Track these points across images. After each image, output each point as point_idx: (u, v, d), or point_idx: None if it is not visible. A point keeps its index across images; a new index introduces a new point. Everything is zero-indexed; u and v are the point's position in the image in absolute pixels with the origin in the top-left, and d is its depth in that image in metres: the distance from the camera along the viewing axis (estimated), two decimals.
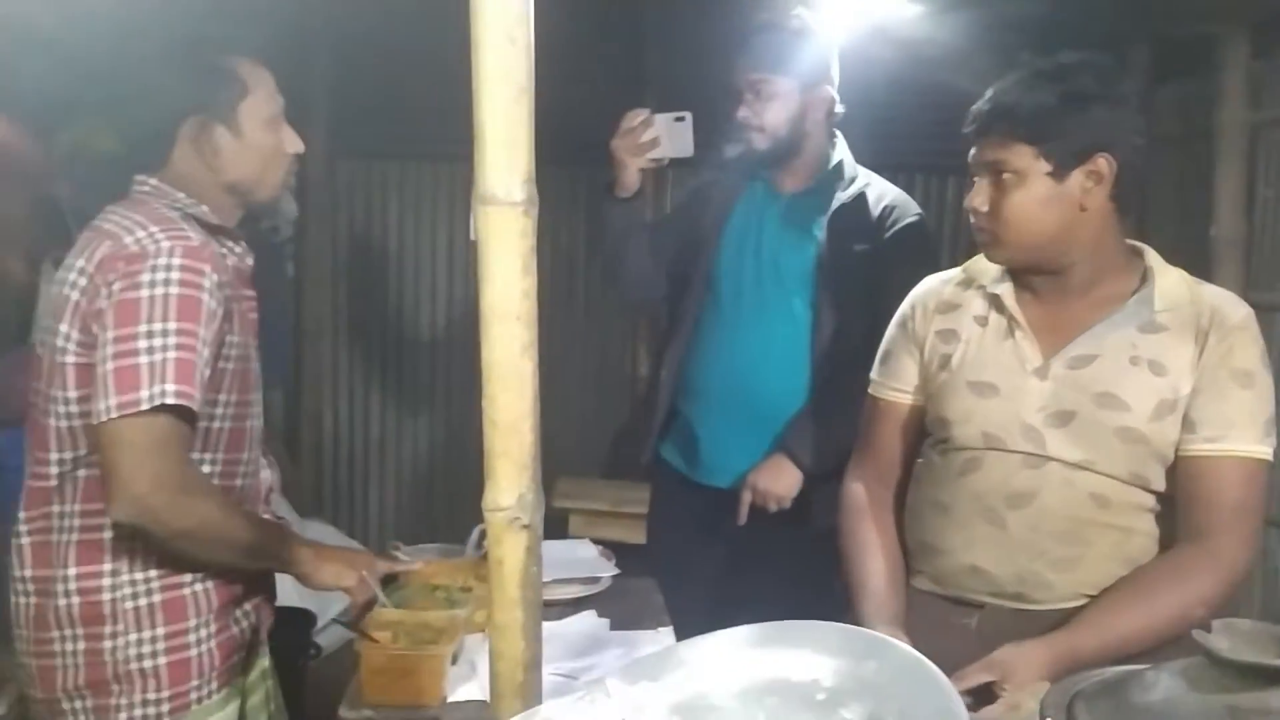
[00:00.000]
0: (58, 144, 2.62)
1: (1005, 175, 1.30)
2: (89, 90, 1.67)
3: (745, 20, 2.07)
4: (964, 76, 1.88)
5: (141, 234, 1.29)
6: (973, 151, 1.35)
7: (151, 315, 1.25)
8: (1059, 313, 1.36)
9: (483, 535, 1.76)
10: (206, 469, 1.38)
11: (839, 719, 0.74)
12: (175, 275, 1.27)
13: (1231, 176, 2.65)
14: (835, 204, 2.03)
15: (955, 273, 1.50)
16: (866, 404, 1.56)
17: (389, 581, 1.56)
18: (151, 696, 1.33)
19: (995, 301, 1.40)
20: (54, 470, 1.33)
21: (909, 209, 2.04)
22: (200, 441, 1.35)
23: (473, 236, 0.82)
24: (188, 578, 1.36)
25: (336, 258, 3.72)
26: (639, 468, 2.39)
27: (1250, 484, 1.29)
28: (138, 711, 1.33)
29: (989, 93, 1.33)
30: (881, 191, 2.06)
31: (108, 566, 1.32)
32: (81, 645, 1.32)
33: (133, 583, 1.33)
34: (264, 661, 1.53)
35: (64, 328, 1.31)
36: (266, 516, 1.51)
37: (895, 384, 1.51)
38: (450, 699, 1.36)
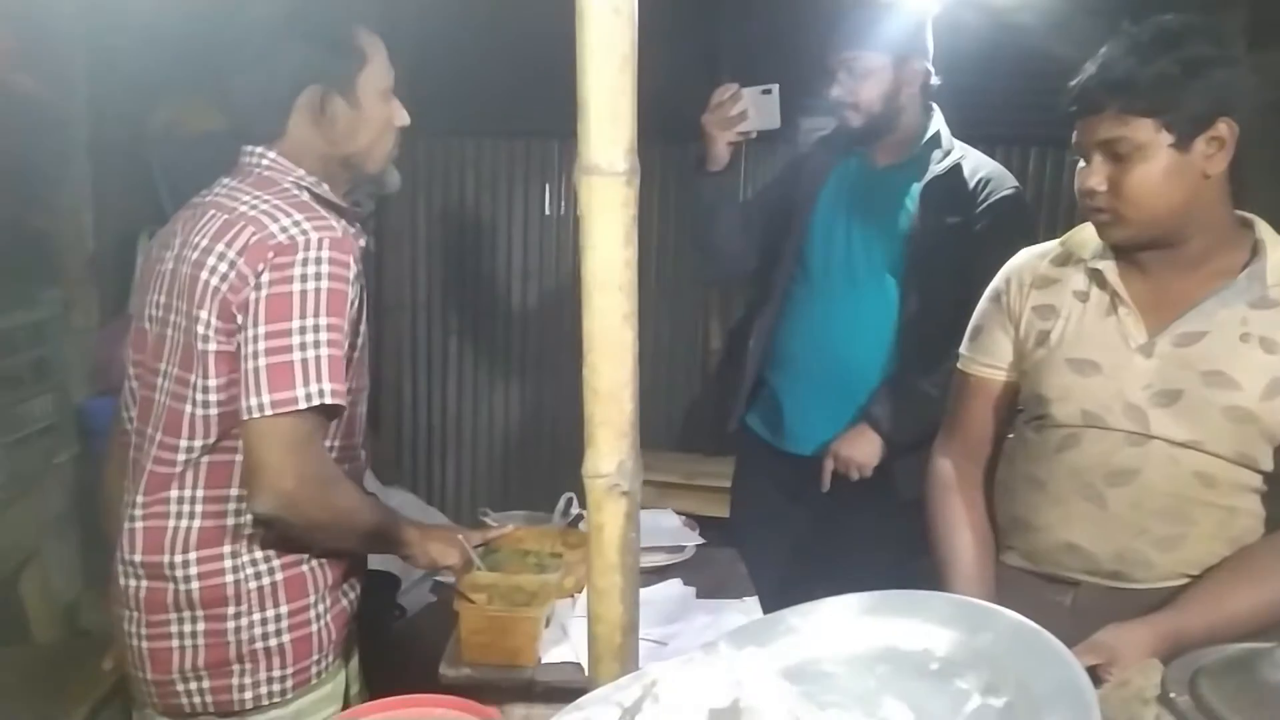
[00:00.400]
0: (153, 120, 2.71)
1: (1124, 152, 1.25)
2: (194, 63, 1.65)
3: None
4: (1058, 44, 1.82)
5: (287, 222, 1.27)
6: (1079, 130, 1.29)
7: (304, 311, 1.23)
8: (1165, 288, 1.33)
9: (569, 503, 1.82)
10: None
11: (954, 689, 0.74)
12: (325, 269, 1.25)
13: None
14: (929, 176, 2.00)
15: (1053, 246, 1.45)
16: (955, 379, 1.53)
17: (480, 547, 1.60)
18: (276, 674, 1.34)
19: (1097, 277, 1.37)
20: (181, 457, 1.31)
21: (1005, 181, 2.00)
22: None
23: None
24: (304, 555, 1.36)
25: (415, 232, 3.81)
26: (711, 441, 2.39)
27: None
28: (263, 689, 1.33)
29: (1091, 67, 1.27)
30: (977, 164, 2.02)
31: (227, 549, 1.32)
32: (201, 626, 1.31)
33: (254, 562, 1.32)
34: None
35: (204, 314, 1.27)
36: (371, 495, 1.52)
37: (987, 359, 1.48)
38: (544, 660, 1.39)
